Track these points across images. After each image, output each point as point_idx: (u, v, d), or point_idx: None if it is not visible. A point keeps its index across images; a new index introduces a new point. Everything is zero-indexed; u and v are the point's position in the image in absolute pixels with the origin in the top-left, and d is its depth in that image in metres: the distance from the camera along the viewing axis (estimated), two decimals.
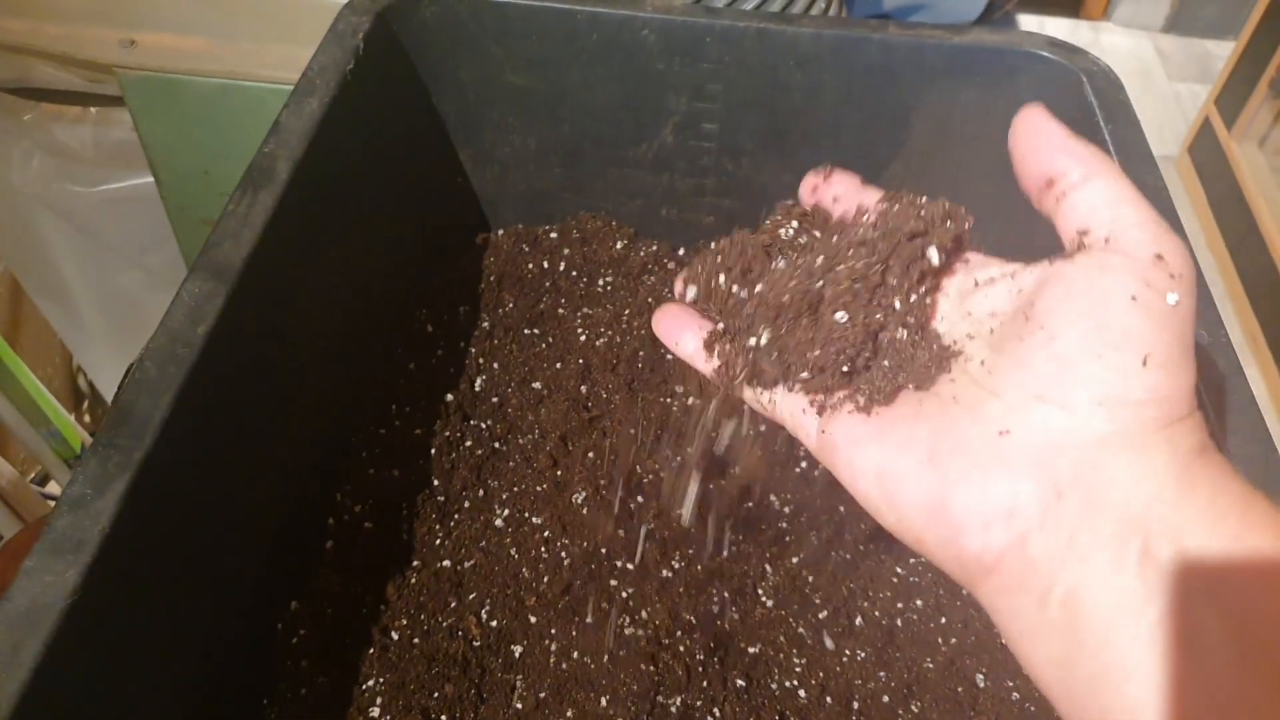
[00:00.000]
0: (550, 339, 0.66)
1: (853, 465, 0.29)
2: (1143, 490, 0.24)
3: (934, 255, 0.32)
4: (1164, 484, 0.24)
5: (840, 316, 0.32)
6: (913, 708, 0.49)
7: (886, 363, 0.31)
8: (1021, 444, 0.26)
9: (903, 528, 0.28)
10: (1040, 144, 0.30)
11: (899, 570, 0.55)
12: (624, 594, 0.52)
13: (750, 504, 0.56)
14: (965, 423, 0.27)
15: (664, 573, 0.53)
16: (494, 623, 0.51)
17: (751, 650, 0.51)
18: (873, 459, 0.29)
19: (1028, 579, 0.24)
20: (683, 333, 0.36)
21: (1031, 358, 0.27)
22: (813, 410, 0.32)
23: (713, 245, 0.37)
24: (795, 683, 0.50)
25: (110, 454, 0.36)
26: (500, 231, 0.72)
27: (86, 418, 1.28)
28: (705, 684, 0.49)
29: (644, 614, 0.51)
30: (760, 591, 0.53)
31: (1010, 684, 0.50)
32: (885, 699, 0.49)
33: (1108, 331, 0.25)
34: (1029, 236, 0.62)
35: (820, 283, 0.32)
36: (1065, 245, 0.30)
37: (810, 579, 0.54)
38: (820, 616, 0.52)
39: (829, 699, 0.49)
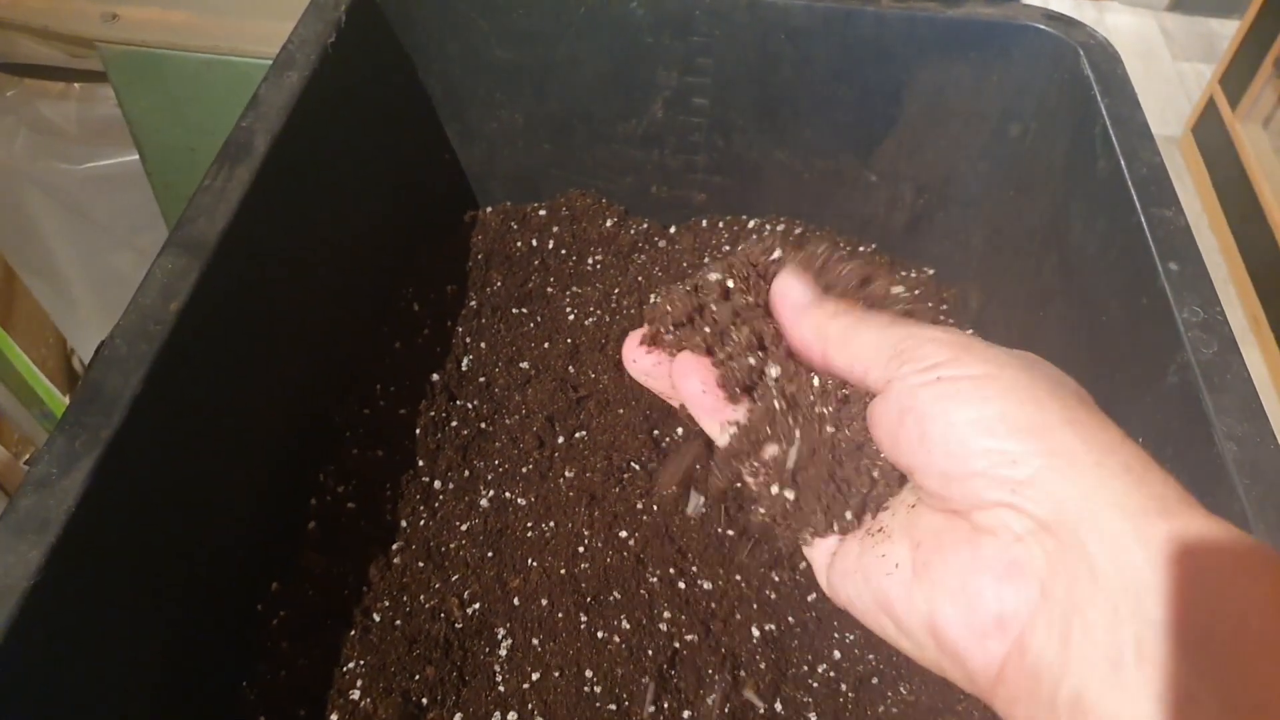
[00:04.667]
0: (538, 318, 0.65)
1: (854, 603, 0.28)
2: (1122, 569, 0.22)
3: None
4: (1144, 555, 0.22)
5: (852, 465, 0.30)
6: (901, 690, 0.49)
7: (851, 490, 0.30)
8: (992, 543, 0.24)
9: (919, 654, 0.26)
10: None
11: None
12: (610, 575, 0.51)
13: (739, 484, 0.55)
14: (932, 530, 0.26)
15: (645, 554, 0.52)
16: (477, 605, 0.50)
17: (731, 621, 0.50)
18: (870, 588, 0.27)
19: (1033, 687, 0.23)
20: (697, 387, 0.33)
21: (941, 469, 0.25)
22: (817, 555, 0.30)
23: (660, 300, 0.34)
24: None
25: (77, 432, 0.35)
26: (488, 209, 0.71)
27: None
28: (688, 659, 0.48)
29: (631, 591, 0.51)
30: (746, 574, 0.52)
31: None
32: (874, 681, 0.49)
33: (979, 424, 0.25)
34: (1020, 215, 0.61)
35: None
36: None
37: (802, 563, 0.53)
38: (809, 599, 0.51)
39: (814, 683, 0.48)
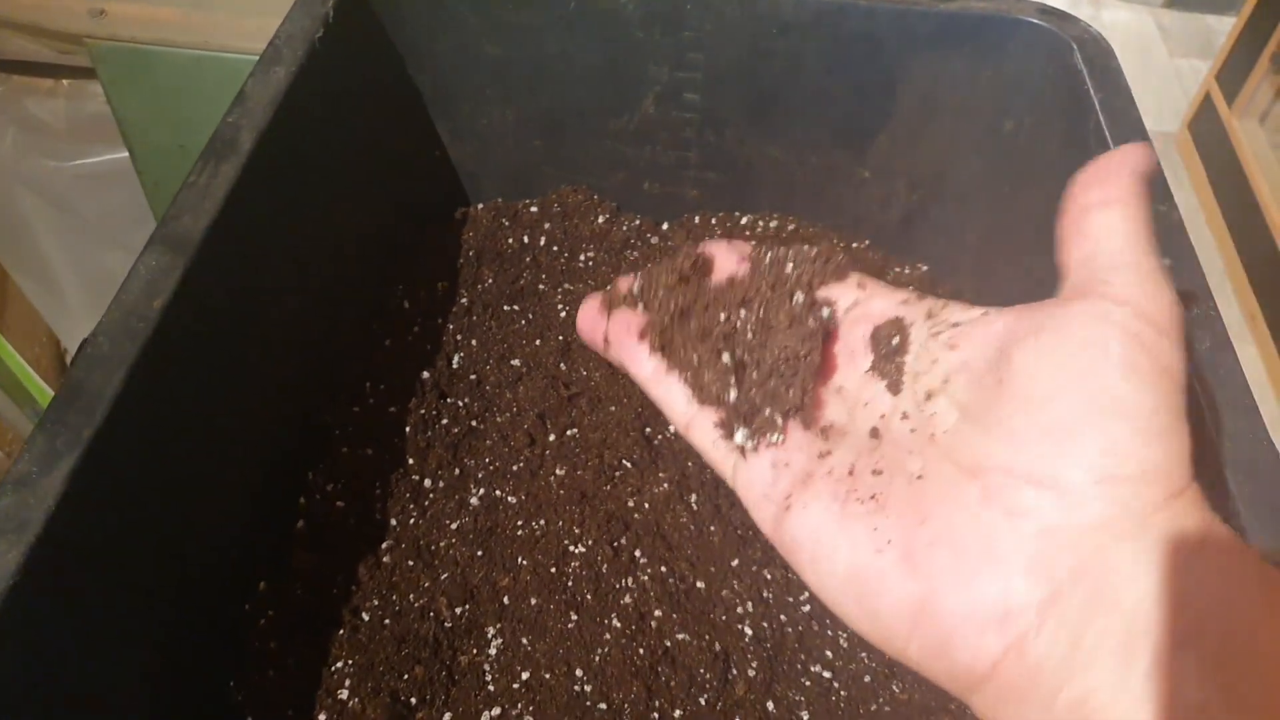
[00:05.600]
0: (530, 315, 0.65)
1: (818, 566, 0.26)
2: (1151, 584, 0.21)
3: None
4: (1157, 574, 0.21)
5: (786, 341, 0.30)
6: (894, 688, 0.48)
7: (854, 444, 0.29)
8: (1012, 534, 0.23)
9: (882, 637, 0.25)
10: (1095, 171, 0.27)
11: None
12: (600, 574, 0.51)
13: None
14: (942, 509, 0.24)
15: (637, 552, 0.52)
16: (467, 604, 0.50)
17: (723, 620, 0.50)
18: (843, 559, 0.25)
19: (1028, 687, 0.22)
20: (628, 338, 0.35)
21: (1015, 428, 0.24)
22: (774, 496, 0.28)
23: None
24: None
25: (58, 431, 0.35)
26: (479, 206, 0.70)
27: None
28: (680, 662, 0.48)
29: (622, 590, 0.50)
30: (739, 572, 0.52)
31: None
32: (867, 679, 0.49)
33: (1103, 398, 0.23)
34: (1014, 211, 0.60)
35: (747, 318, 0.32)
36: (1061, 274, 0.27)
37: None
38: (802, 598, 0.51)
39: (806, 681, 0.48)
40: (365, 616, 0.49)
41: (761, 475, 0.29)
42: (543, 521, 0.53)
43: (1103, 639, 0.21)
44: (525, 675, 0.47)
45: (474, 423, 0.58)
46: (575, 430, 0.58)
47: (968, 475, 0.24)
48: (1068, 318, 0.24)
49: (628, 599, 0.50)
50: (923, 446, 0.26)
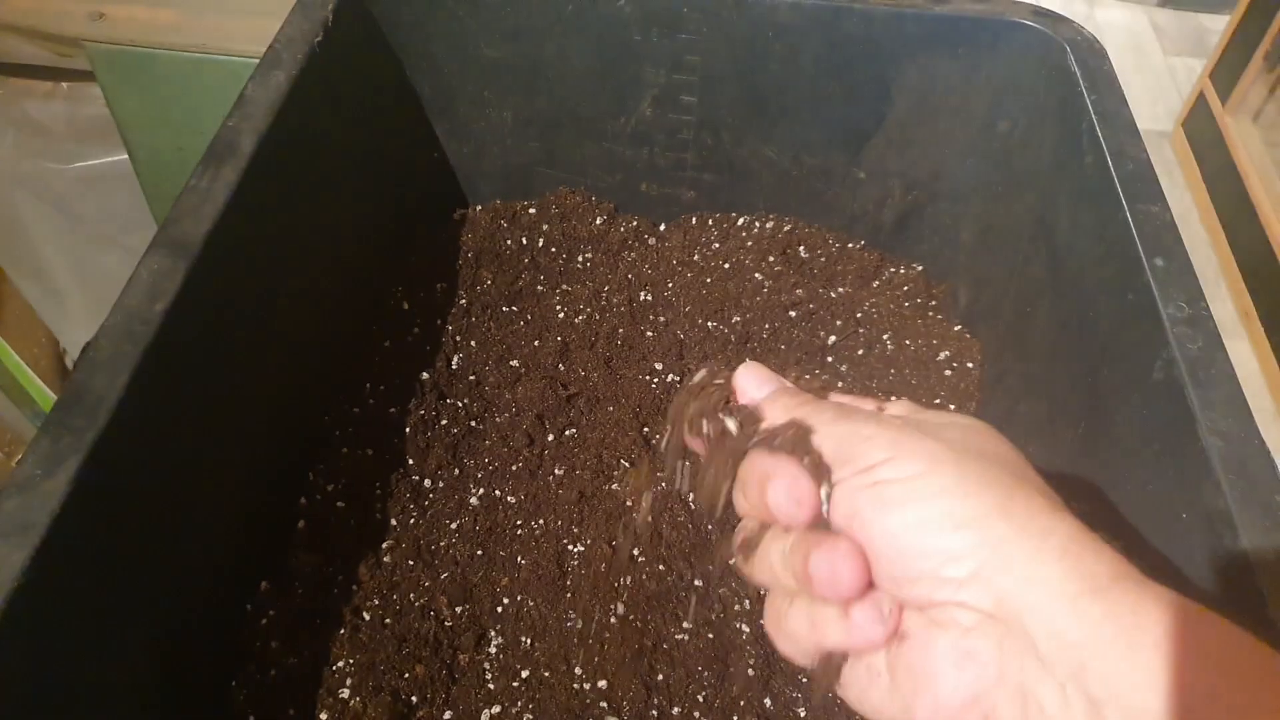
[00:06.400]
0: (528, 316, 0.65)
1: (846, 699, 0.30)
2: (1063, 649, 0.24)
3: None
4: (1080, 635, 0.24)
5: None
6: None
7: None
8: (945, 637, 0.26)
9: None
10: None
11: None
12: (599, 573, 0.51)
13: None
14: (909, 641, 0.27)
15: (635, 551, 0.52)
16: (467, 603, 0.50)
17: (721, 617, 0.50)
18: (867, 702, 0.29)
19: None
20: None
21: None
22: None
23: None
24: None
25: (61, 434, 0.35)
26: (478, 207, 0.71)
27: None
28: (678, 660, 0.48)
29: (620, 589, 0.51)
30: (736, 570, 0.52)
31: None
32: None
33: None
34: (1008, 211, 0.61)
35: None
36: None
37: None
38: None
39: (804, 678, 0.48)
40: (366, 616, 0.49)
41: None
42: (542, 521, 0.54)
43: (1042, 710, 0.24)
44: (525, 674, 0.48)
45: (473, 423, 0.59)
46: (574, 430, 0.58)
47: (917, 611, 0.27)
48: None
49: (626, 597, 0.50)
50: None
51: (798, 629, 0.29)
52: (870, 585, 0.28)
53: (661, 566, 0.52)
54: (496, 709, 0.47)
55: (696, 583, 0.51)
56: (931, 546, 0.26)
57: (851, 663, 0.29)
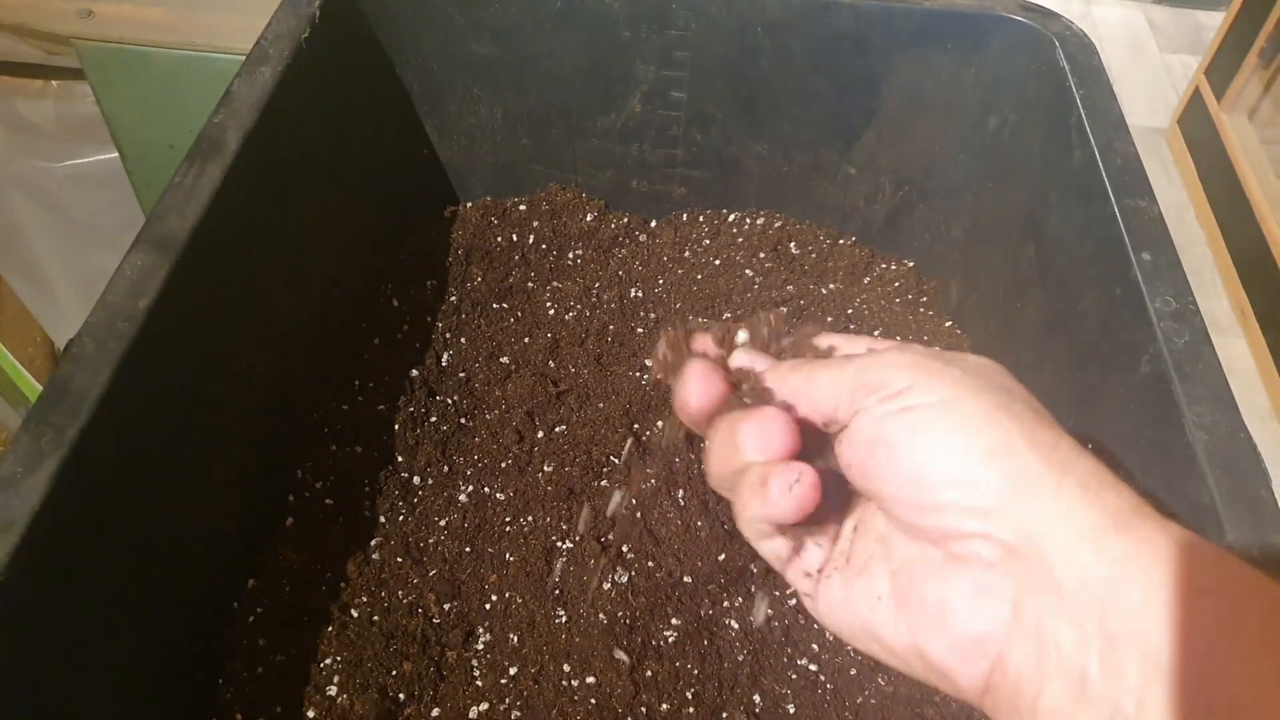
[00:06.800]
0: (519, 313, 0.65)
1: (843, 630, 0.29)
2: (1085, 586, 0.23)
3: None
4: (1103, 572, 0.23)
5: None
6: (880, 681, 0.49)
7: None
8: (963, 571, 0.25)
9: (912, 672, 0.27)
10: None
11: None
12: (589, 569, 0.51)
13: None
14: (909, 560, 0.27)
15: (624, 548, 0.52)
16: (455, 600, 0.50)
17: (710, 614, 0.50)
18: (859, 619, 0.28)
19: (1015, 699, 0.24)
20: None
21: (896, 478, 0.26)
22: (808, 579, 0.31)
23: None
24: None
25: (43, 431, 0.35)
26: (468, 204, 0.71)
27: None
28: (667, 657, 0.48)
29: (608, 589, 0.50)
30: (725, 567, 0.52)
31: None
32: (853, 672, 0.49)
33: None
34: (999, 205, 0.61)
35: None
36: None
37: None
38: (787, 590, 0.51)
39: (793, 675, 0.48)
40: (354, 613, 0.49)
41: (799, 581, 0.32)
42: (531, 518, 0.53)
43: (1060, 649, 0.23)
44: (513, 671, 0.48)
45: (463, 420, 0.58)
46: (563, 427, 0.58)
47: (933, 544, 0.27)
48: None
49: (615, 594, 0.50)
50: (892, 531, 0.29)
51: (721, 459, 0.29)
52: (797, 447, 0.28)
53: (651, 563, 0.52)
54: (484, 706, 0.46)
55: (685, 579, 0.51)
56: (960, 475, 0.25)
57: (853, 585, 0.29)
